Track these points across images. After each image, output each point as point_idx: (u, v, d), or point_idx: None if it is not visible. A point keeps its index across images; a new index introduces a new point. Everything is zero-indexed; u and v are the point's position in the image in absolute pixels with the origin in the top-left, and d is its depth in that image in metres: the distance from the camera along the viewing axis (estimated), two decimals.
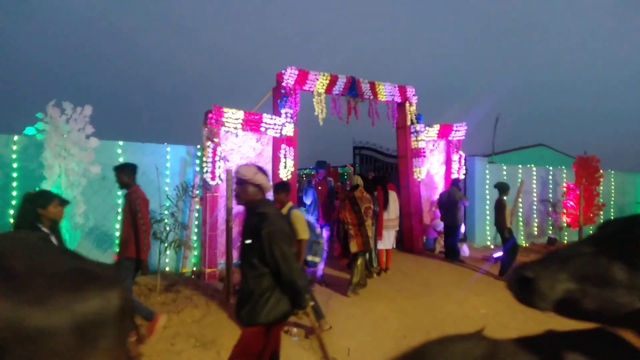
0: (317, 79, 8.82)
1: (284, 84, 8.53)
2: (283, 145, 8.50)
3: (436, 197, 10.25)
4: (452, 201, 9.13)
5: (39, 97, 6.47)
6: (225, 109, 7.78)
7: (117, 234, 7.12)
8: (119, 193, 7.14)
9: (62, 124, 5.61)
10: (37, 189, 5.51)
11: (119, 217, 7.08)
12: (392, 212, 8.04)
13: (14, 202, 6.37)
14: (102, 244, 6.96)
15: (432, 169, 10.62)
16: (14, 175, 6.42)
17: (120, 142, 7.29)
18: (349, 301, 6.31)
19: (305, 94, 8.90)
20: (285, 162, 8.51)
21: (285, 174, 8.50)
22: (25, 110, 6.09)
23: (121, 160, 7.21)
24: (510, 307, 6.33)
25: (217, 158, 7.60)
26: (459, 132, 10.64)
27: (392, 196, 8.15)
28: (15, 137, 6.45)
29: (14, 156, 6.45)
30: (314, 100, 8.94)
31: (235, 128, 8.07)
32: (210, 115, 7.64)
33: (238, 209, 8.22)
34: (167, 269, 7.48)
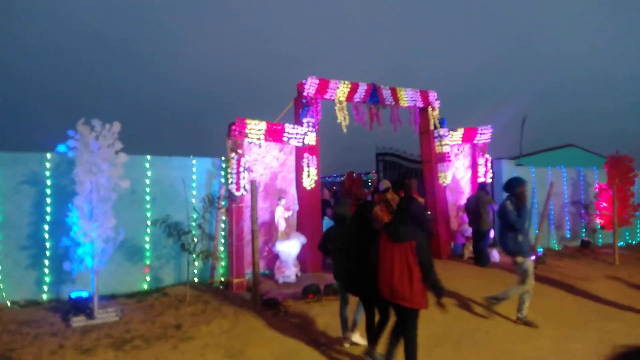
0: (338, 87, 8.84)
1: (305, 93, 8.58)
2: (306, 154, 8.54)
3: (463, 201, 10.07)
4: (480, 205, 8.94)
5: (69, 115, 6.68)
6: (248, 121, 7.88)
7: (147, 246, 7.28)
8: (148, 206, 7.32)
9: (91, 141, 5.79)
10: (69, 205, 5.69)
11: (149, 230, 7.24)
12: None
13: (48, 218, 6.60)
14: (132, 256, 7.11)
15: (458, 174, 10.45)
16: (48, 192, 6.65)
17: (148, 157, 7.46)
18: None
19: (326, 103, 8.94)
20: (308, 171, 8.54)
21: (309, 182, 8.52)
22: (57, 128, 6.31)
23: (149, 174, 7.39)
24: (543, 314, 6.14)
25: (241, 169, 7.68)
26: (484, 135, 10.45)
27: None
28: (49, 155, 6.69)
29: (47, 173, 6.69)
30: (335, 108, 8.96)
31: (259, 139, 8.15)
32: (233, 127, 7.75)
33: (264, 218, 8.30)
34: (195, 279, 7.59)
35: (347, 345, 4.98)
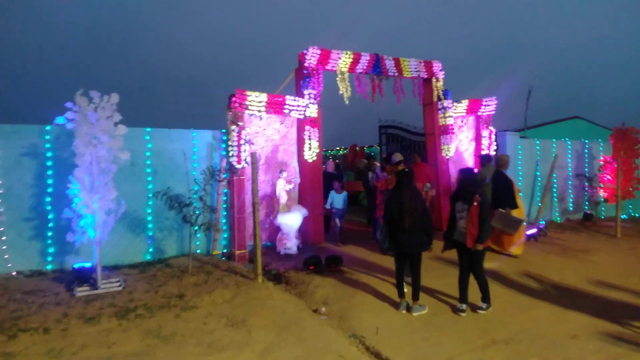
0: (340, 58, 8.68)
1: (306, 64, 8.43)
2: (307, 127, 8.46)
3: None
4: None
5: (68, 86, 6.59)
6: (248, 92, 7.78)
7: (149, 218, 7.31)
8: (149, 179, 7.32)
9: (90, 112, 5.72)
10: (70, 177, 5.69)
11: (150, 202, 7.26)
12: None
13: (49, 190, 6.61)
14: (134, 228, 7.15)
15: (461, 146, 10.36)
16: (48, 164, 6.65)
17: (148, 129, 7.40)
18: (376, 281, 6.29)
19: (328, 74, 8.79)
20: (310, 144, 8.47)
21: (310, 155, 8.47)
22: (55, 100, 6.21)
23: (149, 146, 7.35)
24: (543, 285, 6.18)
25: (242, 141, 7.63)
26: (488, 107, 10.30)
27: None
28: (48, 127, 6.65)
29: (47, 145, 6.66)
30: (337, 79, 8.82)
31: (259, 111, 8.06)
32: (233, 99, 7.65)
33: (265, 191, 8.30)
34: (197, 251, 7.65)
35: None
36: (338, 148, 20.98)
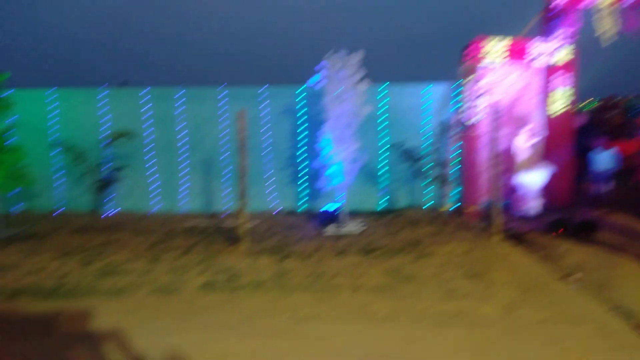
0: None
1: (556, 2, 7.27)
2: (556, 74, 7.40)
3: None
4: None
5: (313, 49, 7.36)
6: (487, 39, 7.23)
7: (384, 170, 7.74)
8: (384, 132, 7.68)
9: (338, 71, 6.28)
10: (318, 131, 6.41)
11: (385, 155, 7.65)
12: None
13: (300, 143, 7.66)
14: (371, 178, 7.66)
15: None
16: (300, 121, 7.67)
17: (385, 84, 7.69)
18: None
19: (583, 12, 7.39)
20: (559, 93, 7.41)
21: (559, 106, 7.42)
22: (303, 62, 7.05)
23: (384, 101, 7.66)
24: None
25: (477, 94, 7.21)
26: None
27: None
28: (300, 88, 7.62)
29: (299, 104, 7.68)
30: (597, 17, 7.33)
31: (498, 59, 7.41)
32: (470, 47, 7.24)
33: (502, 146, 7.72)
34: (427, 204, 7.75)
35: None
36: (586, 100, 17.83)
